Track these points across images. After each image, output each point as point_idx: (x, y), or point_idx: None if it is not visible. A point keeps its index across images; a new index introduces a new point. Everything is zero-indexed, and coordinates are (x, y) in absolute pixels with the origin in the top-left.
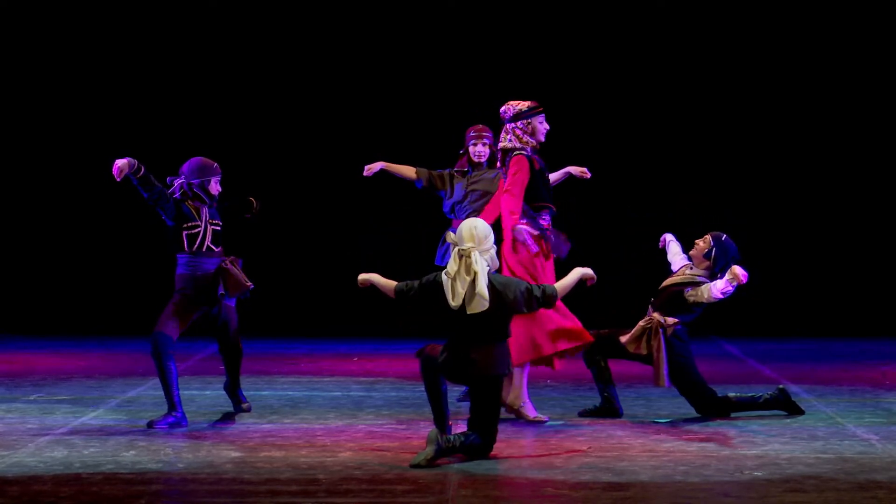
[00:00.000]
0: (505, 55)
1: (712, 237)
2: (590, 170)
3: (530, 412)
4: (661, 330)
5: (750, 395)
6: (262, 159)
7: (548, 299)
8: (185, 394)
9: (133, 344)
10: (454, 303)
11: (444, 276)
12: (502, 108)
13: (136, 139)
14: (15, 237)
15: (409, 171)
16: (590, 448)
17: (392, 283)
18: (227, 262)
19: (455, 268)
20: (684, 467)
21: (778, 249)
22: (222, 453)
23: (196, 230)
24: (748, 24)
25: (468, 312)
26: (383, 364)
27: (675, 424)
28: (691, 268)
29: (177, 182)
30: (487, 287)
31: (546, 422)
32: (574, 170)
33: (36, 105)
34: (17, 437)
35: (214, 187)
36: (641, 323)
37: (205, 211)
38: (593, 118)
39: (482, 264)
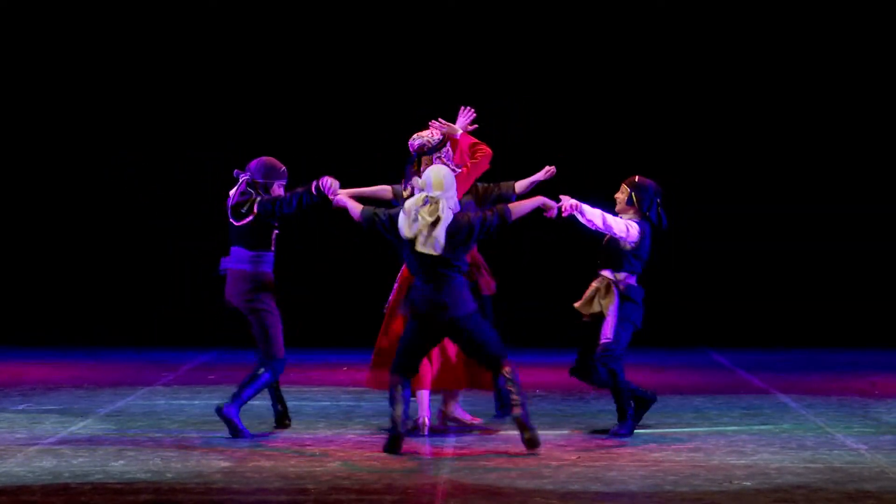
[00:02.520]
0: (500, 55)
1: (627, 184)
2: (583, 166)
3: (464, 416)
4: (614, 287)
5: (636, 387)
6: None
7: (504, 219)
8: (173, 404)
9: (122, 354)
10: (407, 234)
11: (402, 212)
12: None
13: (125, 147)
14: (3, 248)
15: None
16: (579, 458)
17: (359, 207)
18: None
19: (416, 206)
20: (673, 477)
21: (767, 259)
22: (211, 463)
23: (276, 230)
24: (746, 28)
25: (416, 249)
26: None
27: (663, 435)
28: (621, 218)
29: (242, 177)
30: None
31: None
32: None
33: (24, 114)
34: (6, 447)
35: (277, 191)
36: (594, 284)
37: None
38: (588, 118)
39: (447, 213)
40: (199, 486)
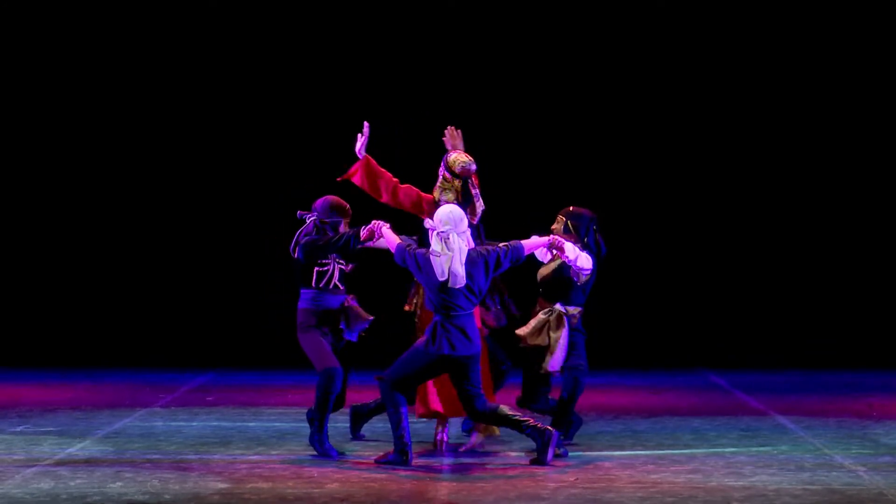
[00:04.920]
0: (500, 60)
1: (563, 214)
2: (566, 182)
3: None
4: (566, 319)
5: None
6: (252, 187)
7: (516, 255)
8: (170, 425)
9: (119, 375)
10: (441, 278)
11: (431, 256)
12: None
13: (121, 156)
14: (0, 269)
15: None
16: (577, 479)
17: (397, 239)
18: (349, 299)
19: (439, 248)
20: (672, 499)
21: (764, 281)
22: (209, 485)
23: (326, 267)
24: (741, 30)
25: (448, 287)
26: (370, 396)
27: (662, 456)
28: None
29: (309, 218)
30: (465, 264)
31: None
32: None
33: (23, 117)
34: (4, 469)
35: (342, 229)
36: (542, 315)
37: None
38: (587, 124)
39: (460, 244)
40: None
